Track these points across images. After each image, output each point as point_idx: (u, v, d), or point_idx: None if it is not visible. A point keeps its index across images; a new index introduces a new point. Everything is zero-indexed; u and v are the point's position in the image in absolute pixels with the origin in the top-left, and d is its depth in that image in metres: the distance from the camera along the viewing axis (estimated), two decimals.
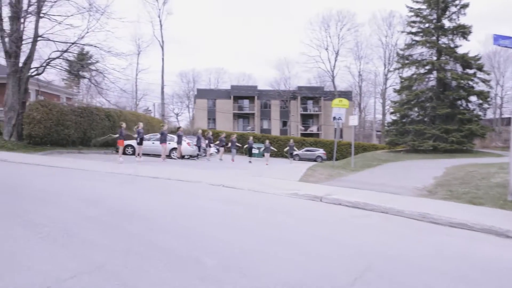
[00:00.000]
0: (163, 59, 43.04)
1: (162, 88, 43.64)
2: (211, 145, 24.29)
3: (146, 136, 19.78)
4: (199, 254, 3.77)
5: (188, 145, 18.66)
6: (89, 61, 68.83)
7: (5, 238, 4.03)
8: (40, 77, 17.95)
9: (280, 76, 60.69)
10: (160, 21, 43.53)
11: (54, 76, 33.86)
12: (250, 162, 21.48)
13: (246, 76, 74.85)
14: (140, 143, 14.86)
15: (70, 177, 9.33)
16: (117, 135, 13.73)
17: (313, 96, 55.64)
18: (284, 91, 55.15)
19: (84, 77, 19.38)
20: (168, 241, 4.20)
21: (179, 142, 17.38)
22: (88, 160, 13.43)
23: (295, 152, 24.17)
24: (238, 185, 9.42)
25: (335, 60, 55.36)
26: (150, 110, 66.13)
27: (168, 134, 19.07)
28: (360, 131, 63.96)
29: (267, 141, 23.32)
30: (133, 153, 19.37)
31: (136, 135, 14.73)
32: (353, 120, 14.27)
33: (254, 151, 36.12)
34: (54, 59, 15.88)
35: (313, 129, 56.56)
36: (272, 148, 23.59)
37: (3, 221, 4.71)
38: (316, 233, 5.12)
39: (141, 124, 14.97)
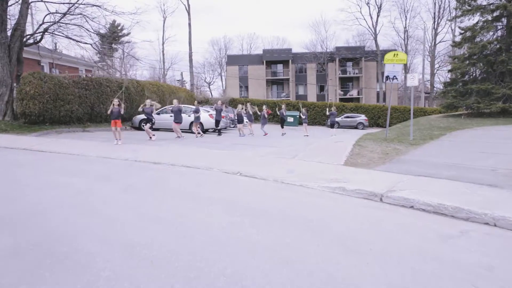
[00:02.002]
0: (189, 24, 40.38)
1: (190, 56, 41.29)
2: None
3: (167, 107, 17.55)
4: None
5: (210, 117, 16.28)
6: (120, 34, 67.09)
7: None
8: (60, 47, 15.96)
9: (316, 38, 56.14)
10: None
11: (84, 49, 31.96)
12: (283, 134, 18.83)
13: (280, 40, 71.07)
14: (148, 122, 12.56)
15: (42, 168, 7.26)
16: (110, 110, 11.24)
17: (353, 57, 51.04)
18: (320, 53, 50.96)
19: (89, 44, 17.02)
20: None
21: (196, 119, 14.86)
22: (87, 141, 11.43)
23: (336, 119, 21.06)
24: (261, 172, 6.96)
25: (378, 16, 49.84)
26: (184, 81, 64.55)
27: (183, 105, 16.79)
28: (406, 93, 58.85)
29: (303, 109, 20.45)
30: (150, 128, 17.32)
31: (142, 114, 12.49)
32: (412, 80, 11.09)
33: (289, 119, 33.29)
34: (53, 23, 13.71)
35: (353, 93, 52.38)
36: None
37: None
38: None
39: (148, 102, 12.61)
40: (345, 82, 53.33)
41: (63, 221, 4.03)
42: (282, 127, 19.32)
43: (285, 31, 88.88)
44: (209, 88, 73.01)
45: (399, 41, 55.28)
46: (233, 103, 37.02)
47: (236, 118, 17.20)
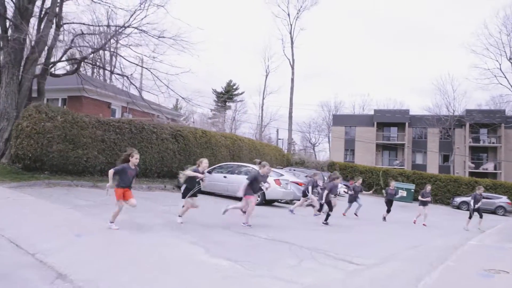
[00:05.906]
0: (292, 79, 37.88)
1: (290, 113, 38.20)
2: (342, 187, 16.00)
3: (229, 164, 13.13)
4: None
5: (277, 184, 11.56)
6: (235, 92, 68.80)
7: None
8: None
9: (441, 98, 47.79)
10: (291, 37, 38.68)
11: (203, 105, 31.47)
12: (384, 220, 12.87)
13: (397, 103, 63.72)
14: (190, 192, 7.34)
15: None
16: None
17: (489, 123, 41.40)
18: (446, 116, 42.71)
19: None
20: None
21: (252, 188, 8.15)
22: (58, 203, 7.66)
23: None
24: None
25: None
26: (294, 142, 60.13)
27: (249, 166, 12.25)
28: None
29: (428, 187, 13.52)
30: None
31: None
32: None
33: (402, 193, 26.55)
34: (97, 50, 11.23)
35: (488, 167, 41.91)
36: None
37: None
38: None
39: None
40: (477, 152, 43.35)
41: None
42: (389, 211, 13.17)
43: (402, 93, 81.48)
44: (313, 149, 68.59)
45: None
46: (332, 167, 31.77)
47: (308, 190, 11.53)
